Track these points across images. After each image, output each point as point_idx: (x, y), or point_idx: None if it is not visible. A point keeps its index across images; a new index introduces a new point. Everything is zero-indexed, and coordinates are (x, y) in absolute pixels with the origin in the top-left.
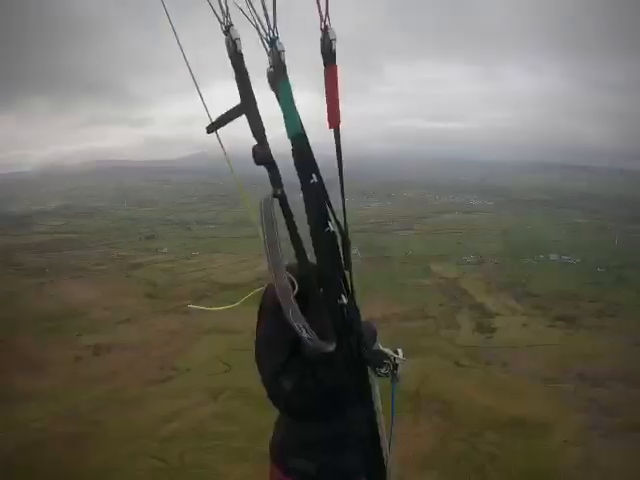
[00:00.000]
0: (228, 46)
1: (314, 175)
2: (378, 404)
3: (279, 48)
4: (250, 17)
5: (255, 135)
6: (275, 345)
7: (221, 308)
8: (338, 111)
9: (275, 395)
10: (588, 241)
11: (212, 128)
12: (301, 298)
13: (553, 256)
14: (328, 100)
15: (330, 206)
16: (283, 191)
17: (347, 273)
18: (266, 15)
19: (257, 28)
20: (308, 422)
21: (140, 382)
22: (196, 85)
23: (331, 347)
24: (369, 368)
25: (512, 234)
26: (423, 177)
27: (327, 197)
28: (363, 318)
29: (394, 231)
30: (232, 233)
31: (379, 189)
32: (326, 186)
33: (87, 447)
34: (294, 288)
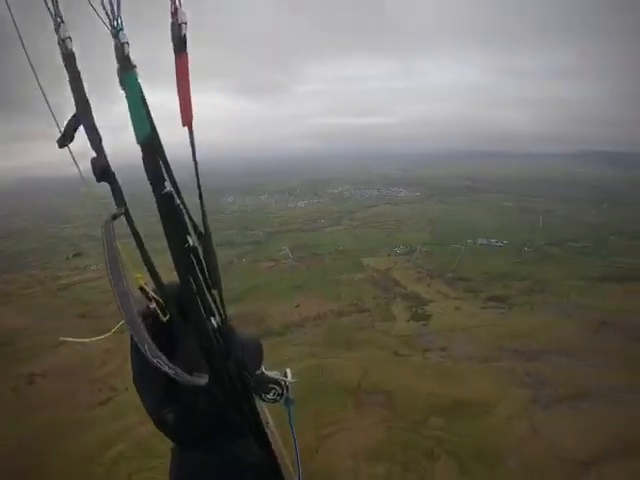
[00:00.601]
0: (59, 45)
1: (167, 184)
2: (271, 428)
3: (122, 40)
4: (94, 7)
5: (92, 145)
6: (149, 380)
7: (93, 339)
8: (190, 106)
9: (160, 426)
10: (514, 223)
11: (61, 142)
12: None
13: (481, 240)
14: (179, 94)
15: (190, 217)
16: (127, 208)
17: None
18: (111, 3)
19: (103, 19)
20: (196, 451)
21: (80, 406)
22: (43, 93)
23: (202, 381)
24: (256, 395)
25: (439, 222)
26: (350, 173)
27: (185, 207)
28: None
29: (323, 228)
30: (158, 245)
31: (306, 187)
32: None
33: None
34: (164, 314)
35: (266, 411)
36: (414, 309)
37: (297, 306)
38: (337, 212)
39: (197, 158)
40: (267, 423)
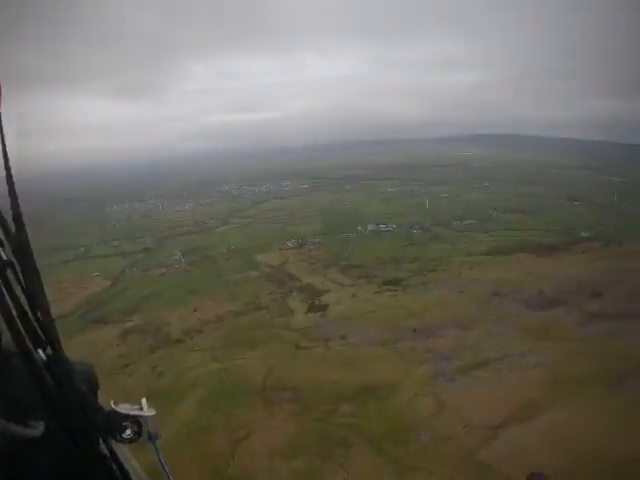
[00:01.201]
0: None
1: None
2: (139, 474)
3: None
4: None
5: None
6: None
7: None
8: None
9: None
10: (401, 207)
11: None
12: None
13: (371, 226)
14: None
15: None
16: None
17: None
18: None
19: None
20: None
21: None
22: None
23: (35, 431)
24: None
25: (329, 212)
26: (237, 170)
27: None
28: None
29: (214, 228)
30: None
31: (194, 188)
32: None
33: None
34: None
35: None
36: (311, 301)
37: (194, 311)
38: (226, 211)
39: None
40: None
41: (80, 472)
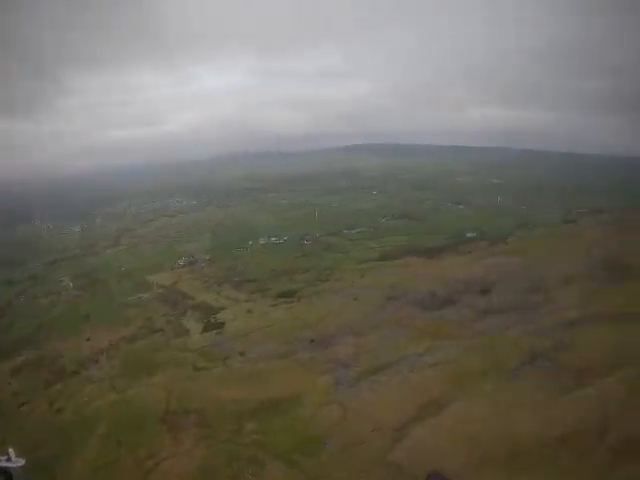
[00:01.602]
0: None
1: None
2: None
3: None
4: None
5: None
6: None
7: None
8: None
9: None
10: (292, 219)
11: None
12: None
13: (262, 240)
14: None
15: None
16: None
17: None
18: None
19: None
20: None
21: None
22: None
23: None
24: None
25: (220, 227)
26: (128, 187)
27: None
28: None
29: (103, 250)
30: None
31: (83, 208)
32: None
33: None
34: None
35: None
36: (206, 319)
37: (88, 339)
38: (116, 231)
39: None
40: None
41: None
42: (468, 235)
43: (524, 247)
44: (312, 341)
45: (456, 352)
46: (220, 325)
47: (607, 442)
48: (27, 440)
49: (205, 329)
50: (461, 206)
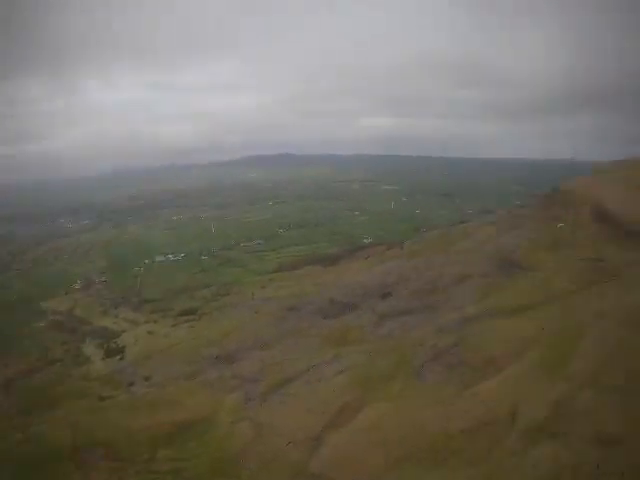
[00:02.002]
0: None
1: None
2: None
3: None
4: None
5: None
6: None
7: None
8: None
9: None
10: (189, 234)
11: None
12: None
13: (159, 258)
14: None
15: None
16: None
17: None
18: None
19: None
20: None
21: None
22: None
23: None
24: None
25: (115, 247)
26: (18, 207)
27: None
28: None
29: None
30: None
31: None
32: None
33: None
34: None
35: None
36: (107, 345)
37: None
38: (5, 256)
39: None
40: None
41: None
42: (365, 241)
43: (420, 249)
44: (217, 358)
45: (362, 357)
46: (121, 350)
47: (517, 428)
48: None
49: (106, 355)
50: (357, 213)
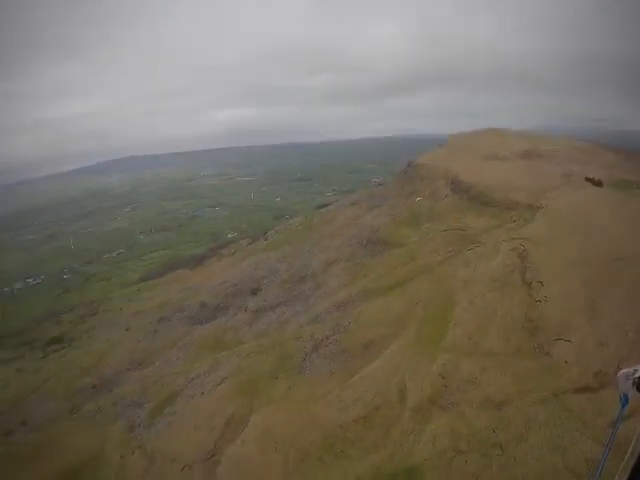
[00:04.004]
0: None
1: None
2: None
3: None
4: None
5: None
6: None
7: None
8: None
9: None
10: (46, 253)
11: None
12: None
13: (18, 284)
14: None
15: None
16: None
17: None
18: None
19: None
20: None
21: None
22: None
23: None
24: None
25: None
26: None
27: None
28: None
29: None
30: None
31: None
32: None
33: None
34: None
35: None
36: None
37: None
38: None
39: None
40: None
41: None
42: (229, 236)
43: (284, 239)
44: (94, 387)
45: (241, 360)
46: None
47: (409, 406)
48: None
49: None
50: (217, 208)
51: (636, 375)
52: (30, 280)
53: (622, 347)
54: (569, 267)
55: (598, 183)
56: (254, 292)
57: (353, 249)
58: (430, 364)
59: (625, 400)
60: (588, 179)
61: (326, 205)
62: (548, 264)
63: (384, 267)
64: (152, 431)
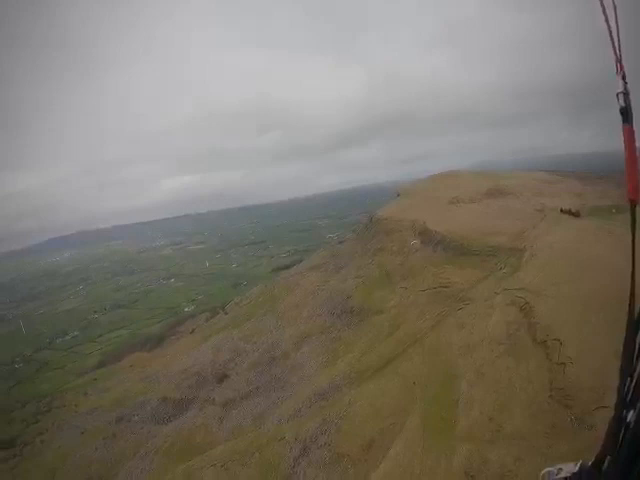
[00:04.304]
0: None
1: None
2: None
3: None
4: None
5: None
6: None
7: None
8: (636, 180)
9: None
10: None
11: None
12: None
13: None
14: (625, 166)
15: None
16: None
17: None
18: None
19: None
20: None
21: None
22: None
23: None
24: None
25: None
26: None
27: None
28: None
29: None
30: None
31: None
32: None
33: None
34: None
35: None
36: None
37: None
38: None
39: None
40: None
41: None
42: (186, 310)
43: (246, 313)
44: None
45: (213, 472)
46: None
47: None
48: None
49: None
50: (172, 280)
51: (560, 476)
52: None
53: None
54: (584, 316)
55: (576, 214)
56: (220, 380)
57: (325, 320)
58: (449, 460)
59: None
60: (564, 211)
61: (284, 268)
62: (559, 317)
63: (366, 341)
64: None
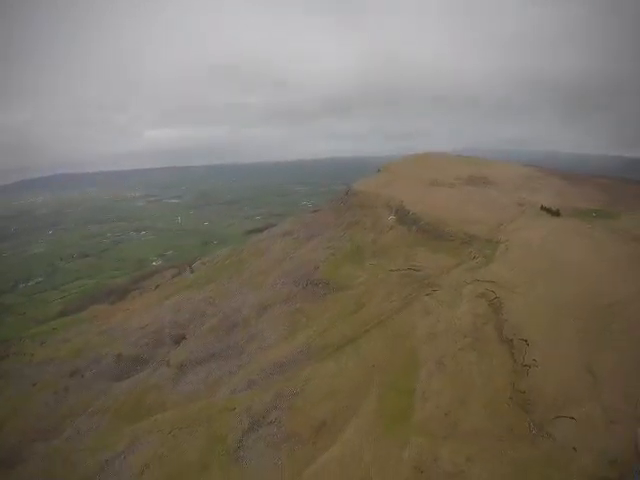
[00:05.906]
0: None
1: None
2: None
3: None
4: None
5: None
6: None
7: None
8: None
9: None
10: None
11: None
12: None
13: None
14: None
15: None
16: None
17: None
18: None
19: None
20: None
21: None
22: None
23: None
24: None
25: None
26: None
27: None
28: None
29: None
30: None
31: None
32: None
33: None
34: None
35: None
36: None
37: None
38: None
39: None
40: None
41: None
42: (154, 264)
43: (211, 275)
44: None
45: (164, 439)
46: None
47: None
48: None
49: None
50: (143, 232)
51: None
52: None
53: (635, 422)
54: (556, 319)
55: (556, 213)
56: (177, 341)
57: (290, 290)
58: (400, 452)
59: None
60: (545, 208)
61: (256, 230)
62: (529, 316)
63: (329, 316)
64: None
